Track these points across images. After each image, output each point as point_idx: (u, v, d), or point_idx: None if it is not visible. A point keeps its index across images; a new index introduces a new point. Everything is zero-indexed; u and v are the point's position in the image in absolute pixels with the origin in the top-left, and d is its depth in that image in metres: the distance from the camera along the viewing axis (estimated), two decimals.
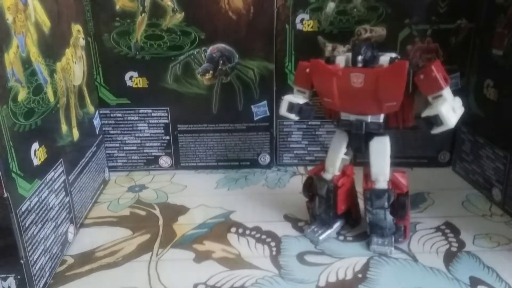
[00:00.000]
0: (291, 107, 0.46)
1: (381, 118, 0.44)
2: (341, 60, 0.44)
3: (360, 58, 0.43)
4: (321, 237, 0.47)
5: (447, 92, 0.41)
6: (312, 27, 0.58)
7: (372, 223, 0.45)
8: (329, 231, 0.48)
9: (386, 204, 0.44)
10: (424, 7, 0.57)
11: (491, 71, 0.54)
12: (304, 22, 0.57)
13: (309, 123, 0.63)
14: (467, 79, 0.59)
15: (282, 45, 0.59)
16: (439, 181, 0.61)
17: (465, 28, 0.58)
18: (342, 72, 0.43)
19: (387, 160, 0.45)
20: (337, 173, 0.47)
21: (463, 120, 0.60)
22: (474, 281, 0.41)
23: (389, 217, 0.45)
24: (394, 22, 0.57)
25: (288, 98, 0.47)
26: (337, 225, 0.49)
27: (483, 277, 0.42)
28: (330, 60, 0.45)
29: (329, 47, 0.58)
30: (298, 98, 0.47)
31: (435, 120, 0.40)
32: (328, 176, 0.47)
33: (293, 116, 0.47)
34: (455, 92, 0.42)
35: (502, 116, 0.52)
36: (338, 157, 0.47)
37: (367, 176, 0.46)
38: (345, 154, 0.47)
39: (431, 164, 0.64)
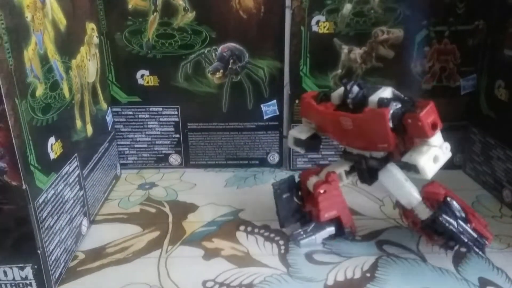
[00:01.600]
0: (297, 142, 0.48)
1: (382, 154, 0.44)
2: (335, 97, 0.45)
3: (349, 100, 0.43)
4: (302, 241, 0.48)
5: (434, 139, 0.40)
6: (328, 29, 0.58)
7: (466, 244, 0.43)
8: (312, 237, 0.48)
9: (452, 223, 0.42)
10: (442, 8, 0.57)
11: (503, 72, 0.55)
12: (320, 24, 0.58)
13: None
14: (478, 80, 0.60)
15: (297, 47, 0.60)
16: (450, 182, 0.60)
17: (482, 29, 0.58)
18: (331, 115, 0.44)
19: (405, 183, 0.44)
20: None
21: (473, 121, 0.61)
22: (483, 282, 0.42)
23: (464, 226, 0.43)
24: (412, 24, 0.58)
25: (292, 134, 0.49)
26: (324, 231, 0.48)
27: (492, 278, 0.43)
28: (326, 96, 0.46)
29: (345, 49, 0.60)
30: (303, 131, 0.48)
31: (414, 168, 0.40)
32: (313, 180, 0.47)
33: (300, 149, 0.49)
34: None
35: None
36: (337, 171, 0.47)
37: (406, 212, 0.45)
38: (347, 177, 0.47)
39: (445, 167, 0.64)
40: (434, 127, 0.40)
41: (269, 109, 0.63)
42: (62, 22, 0.46)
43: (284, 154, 0.66)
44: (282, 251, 0.47)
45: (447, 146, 0.41)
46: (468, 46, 0.59)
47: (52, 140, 0.43)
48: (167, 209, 0.56)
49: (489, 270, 0.44)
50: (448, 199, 0.43)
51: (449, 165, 0.63)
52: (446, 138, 0.62)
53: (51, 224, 0.42)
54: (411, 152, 0.41)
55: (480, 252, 0.43)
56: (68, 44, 0.47)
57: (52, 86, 0.43)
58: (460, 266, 0.44)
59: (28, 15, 0.38)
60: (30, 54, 0.38)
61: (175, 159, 0.67)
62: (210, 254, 0.47)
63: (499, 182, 0.56)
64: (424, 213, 0.44)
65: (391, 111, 0.40)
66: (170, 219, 0.54)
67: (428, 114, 0.40)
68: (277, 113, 0.63)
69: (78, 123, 0.50)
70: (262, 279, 0.43)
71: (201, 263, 0.46)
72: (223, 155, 0.66)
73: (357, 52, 0.59)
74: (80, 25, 0.51)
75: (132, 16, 0.58)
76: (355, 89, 0.43)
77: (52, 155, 0.43)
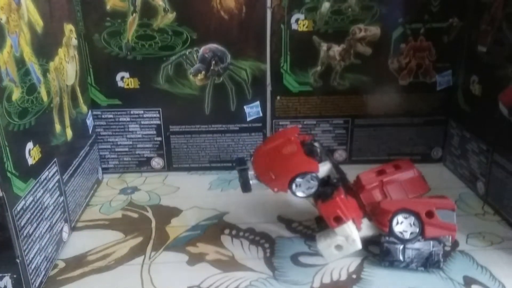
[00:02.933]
0: None
1: None
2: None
3: None
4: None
5: (339, 230, 0.43)
6: (307, 27, 0.60)
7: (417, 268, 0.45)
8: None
9: (397, 254, 0.45)
10: (417, 6, 0.60)
11: (476, 68, 0.58)
12: (299, 22, 0.60)
13: (305, 122, 0.66)
14: (457, 75, 0.63)
15: (277, 45, 0.61)
16: (432, 179, 0.62)
17: (457, 27, 0.61)
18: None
19: (337, 252, 0.45)
20: None
21: (452, 116, 0.65)
22: (468, 280, 0.44)
23: (411, 253, 0.45)
24: (388, 21, 0.60)
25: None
26: None
27: (476, 276, 0.44)
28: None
29: (324, 46, 0.62)
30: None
31: None
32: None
33: None
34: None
35: (485, 111, 0.56)
36: None
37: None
38: None
39: (424, 160, 0.68)
40: (336, 220, 0.42)
41: (252, 110, 0.64)
42: (39, 23, 0.46)
43: None
44: (268, 254, 0.48)
45: (354, 239, 0.43)
46: (443, 43, 0.62)
47: (30, 145, 0.42)
48: (150, 214, 0.56)
49: (473, 268, 0.45)
50: (394, 223, 0.44)
51: (428, 159, 0.68)
52: (423, 132, 0.66)
53: (30, 231, 0.42)
54: (326, 231, 0.44)
55: (435, 268, 0.45)
56: (45, 46, 0.47)
57: (29, 89, 0.43)
58: (445, 265, 0.46)
59: (2, 17, 0.38)
60: (5, 57, 0.38)
61: (157, 162, 0.67)
62: (195, 259, 0.48)
63: (474, 174, 0.59)
64: (369, 229, 0.46)
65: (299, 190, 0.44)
66: (153, 224, 0.54)
67: (331, 207, 0.42)
68: (261, 114, 0.64)
69: (57, 127, 0.50)
70: (248, 283, 0.44)
71: (185, 269, 0.46)
72: (206, 158, 0.67)
73: (336, 49, 0.61)
74: (57, 26, 0.51)
75: (110, 17, 0.58)
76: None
77: (30, 161, 0.42)
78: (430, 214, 0.44)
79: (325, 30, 0.61)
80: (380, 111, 0.65)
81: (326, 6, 0.59)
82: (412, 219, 0.44)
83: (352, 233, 0.42)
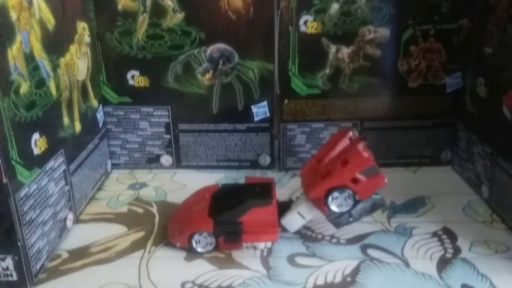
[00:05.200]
0: None
1: None
2: None
3: None
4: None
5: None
6: (316, 29, 0.61)
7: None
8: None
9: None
10: (427, 7, 0.60)
11: (483, 69, 0.58)
12: (308, 23, 0.61)
13: (313, 126, 0.67)
14: (464, 77, 0.63)
15: (285, 48, 0.62)
16: (441, 184, 0.63)
17: (467, 28, 0.61)
18: None
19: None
20: None
21: (460, 118, 0.65)
22: None
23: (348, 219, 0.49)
24: (398, 23, 0.60)
25: None
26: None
27: (475, 285, 0.44)
28: None
29: (333, 48, 0.62)
30: None
31: None
32: None
33: None
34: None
35: (490, 113, 0.55)
36: None
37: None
38: None
39: (434, 163, 0.67)
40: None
41: (259, 110, 0.65)
42: (51, 21, 0.49)
43: (274, 156, 0.68)
44: (265, 254, 0.49)
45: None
46: (453, 45, 0.62)
47: (36, 136, 0.46)
48: (154, 210, 0.59)
49: (473, 276, 0.45)
50: (329, 201, 0.47)
51: (437, 162, 0.68)
52: (432, 134, 0.67)
53: (33, 217, 0.45)
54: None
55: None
56: (56, 43, 0.50)
57: (38, 83, 0.46)
58: (443, 272, 0.46)
59: (13, 14, 0.41)
60: (14, 52, 0.41)
61: (166, 159, 0.69)
62: (192, 255, 0.49)
63: (479, 178, 0.59)
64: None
65: None
66: (157, 219, 0.56)
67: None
68: (268, 114, 0.65)
69: (66, 120, 0.53)
70: (242, 281, 0.45)
71: (182, 264, 0.48)
72: (214, 157, 0.68)
73: (345, 51, 0.62)
74: (70, 24, 0.54)
75: (121, 16, 0.61)
76: None
77: (36, 151, 0.46)
78: (355, 180, 0.46)
79: (334, 32, 0.61)
80: (389, 114, 0.65)
81: (335, 7, 0.60)
82: (345, 193, 0.46)
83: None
